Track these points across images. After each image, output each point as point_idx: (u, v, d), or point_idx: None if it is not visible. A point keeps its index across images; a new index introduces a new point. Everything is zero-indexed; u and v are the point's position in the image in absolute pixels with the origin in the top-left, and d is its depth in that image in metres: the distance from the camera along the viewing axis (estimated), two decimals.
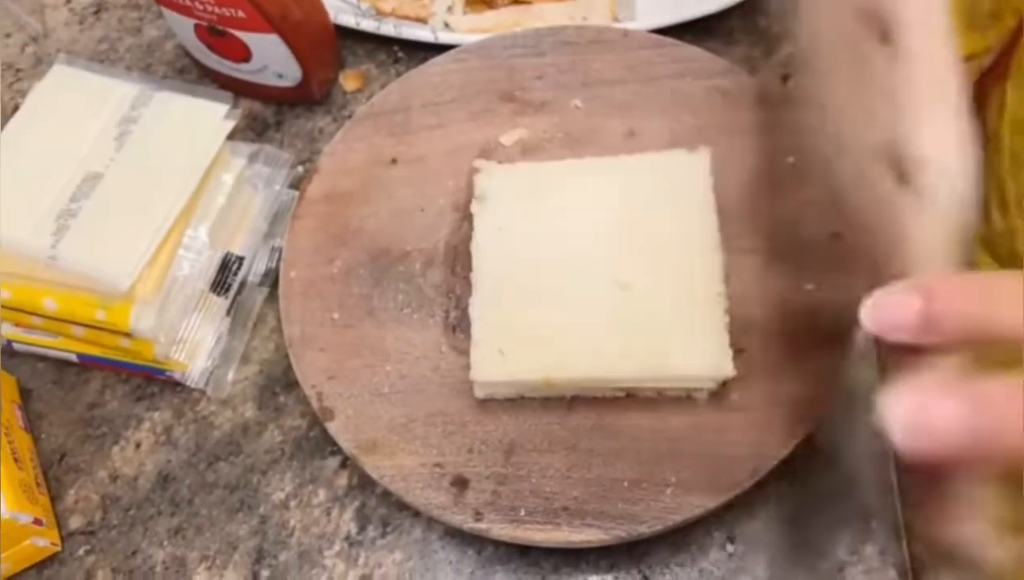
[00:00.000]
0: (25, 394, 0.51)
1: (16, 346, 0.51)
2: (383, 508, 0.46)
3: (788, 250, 0.46)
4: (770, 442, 0.41)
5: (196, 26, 0.55)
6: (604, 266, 0.44)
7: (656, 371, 0.42)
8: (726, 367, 0.41)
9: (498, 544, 0.45)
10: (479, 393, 0.43)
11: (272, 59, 0.55)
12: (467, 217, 0.48)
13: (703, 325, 0.42)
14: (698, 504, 0.40)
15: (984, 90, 0.56)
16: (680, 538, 0.44)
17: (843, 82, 0.36)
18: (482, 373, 0.42)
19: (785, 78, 0.51)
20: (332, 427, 0.43)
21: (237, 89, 0.56)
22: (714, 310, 0.42)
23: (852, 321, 0.38)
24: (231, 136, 0.50)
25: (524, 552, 0.45)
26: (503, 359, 0.42)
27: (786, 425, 0.41)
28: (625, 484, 0.41)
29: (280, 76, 0.56)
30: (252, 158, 0.52)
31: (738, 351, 0.43)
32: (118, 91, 0.51)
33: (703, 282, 0.43)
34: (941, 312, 0.28)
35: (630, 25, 0.54)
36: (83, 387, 0.51)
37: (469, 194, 0.48)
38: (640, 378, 0.42)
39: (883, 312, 0.29)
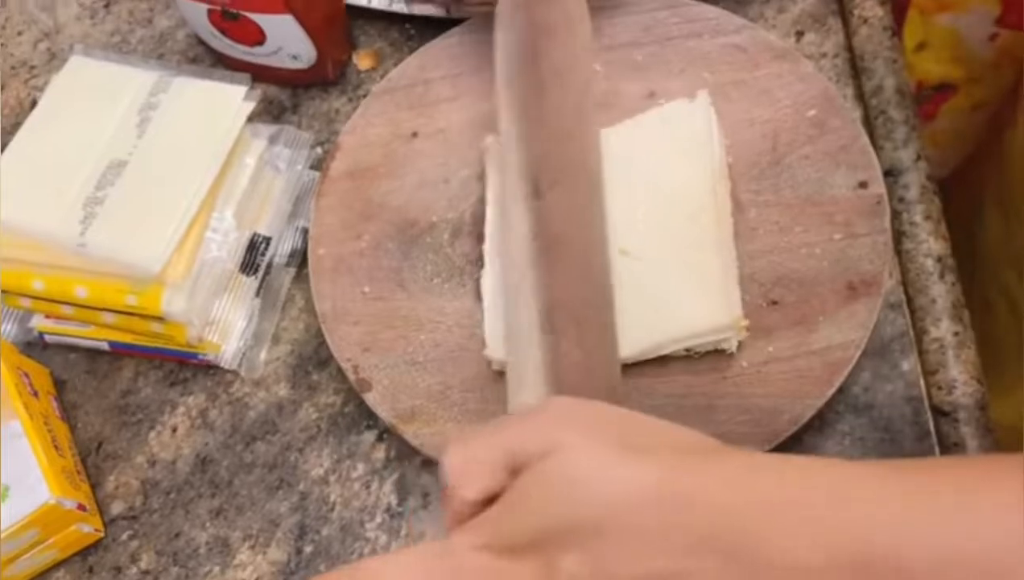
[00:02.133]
0: (59, 385, 0.52)
1: (48, 338, 0.51)
2: (423, 478, 0.47)
3: (814, 201, 0.46)
4: (807, 391, 0.41)
5: (209, 11, 0.55)
6: (616, 237, 0.44)
7: (668, 334, 0.42)
8: (734, 312, 0.41)
9: None
10: (496, 367, 0.43)
11: (286, 40, 0.55)
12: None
13: (707, 276, 0.42)
14: None
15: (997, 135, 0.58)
16: None
17: None
18: (496, 352, 0.42)
19: None
20: (370, 398, 0.43)
21: (252, 73, 0.56)
22: (717, 258, 0.42)
23: (882, 268, 0.39)
24: (250, 119, 0.50)
25: None
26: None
27: (822, 374, 0.42)
28: None
29: (295, 58, 0.56)
30: (272, 140, 0.52)
31: (772, 303, 0.43)
32: (136, 79, 0.51)
33: (707, 231, 0.43)
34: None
35: None
36: (116, 375, 0.52)
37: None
38: (656, 345, 0.42)
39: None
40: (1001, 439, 0.45)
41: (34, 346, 0.52)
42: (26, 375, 0.48)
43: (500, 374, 0.43)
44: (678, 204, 0.45)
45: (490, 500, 0.29)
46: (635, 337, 0.42)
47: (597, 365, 0.40)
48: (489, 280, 0.44)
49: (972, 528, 0.25)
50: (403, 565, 0.29)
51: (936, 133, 0.71)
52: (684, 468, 0.28)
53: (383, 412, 0.43)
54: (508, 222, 0.42)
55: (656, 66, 0.50)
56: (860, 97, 0.54)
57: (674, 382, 0.43)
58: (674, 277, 0.43)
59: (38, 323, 0.51)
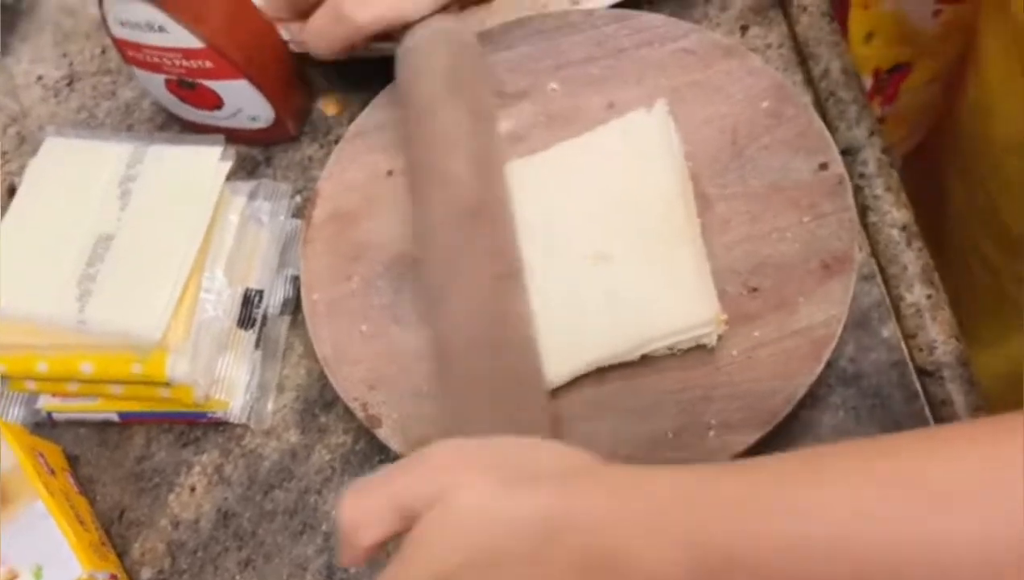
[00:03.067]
0: (73, 460, 0.52)
1: (56, 416, 0.52)
2: None
3: (779, 187, 0.48)
4: (797, 370, 0.43)
5: (166, 81, 0.56)
6: (585, 245, 0.46)
7: (647, 335, 0.44)
8: (711, 308, 0.43)
9: None
10: None
11: (244, 103, 0.56)
12: None
13: (681, 275, 0.44)
14: (741, 440, 0.42)
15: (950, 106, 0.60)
16: None
17: None
18: None
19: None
20: (382, 433, 0.45)
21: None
22: (689, 257, 0.44)
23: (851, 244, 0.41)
24: (227, 177, 0.52)
25: None
26: None
27: (809, 351, 0.43)
28: (669, 435, 0.43)
29: (254, 119, 0.58)
30: (252, 195, 0.54)
31: (752, 290, 0.45)
32: (112, 153, 0.52)
33: (676, 232, 0.45)
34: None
35: (591, 4, 0.56)
36: (128, 443, 0.53)
37: None
38: (636, 346, 0.44)
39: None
40: (988, 389, 0.47)
41: (43, 426, 0.53)
42: (41, 455, 0.49)
43: None
44: (646, 209, 0.47)
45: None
46: (615, 340, 0.44)
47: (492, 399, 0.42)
48: None
49: (793, 516, 0.28)
50: None
51: (900, 112, 0.73)
52: (562, 494, 0.31)
53: (396, 445, 0.44)
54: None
55: (612, 78, 0.52)
56: (809, 82, 0.56)
57: (668, 379, 0.44)
58: (649, 279, 0.45)
59: (45, 403, 0.52)
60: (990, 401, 0.46)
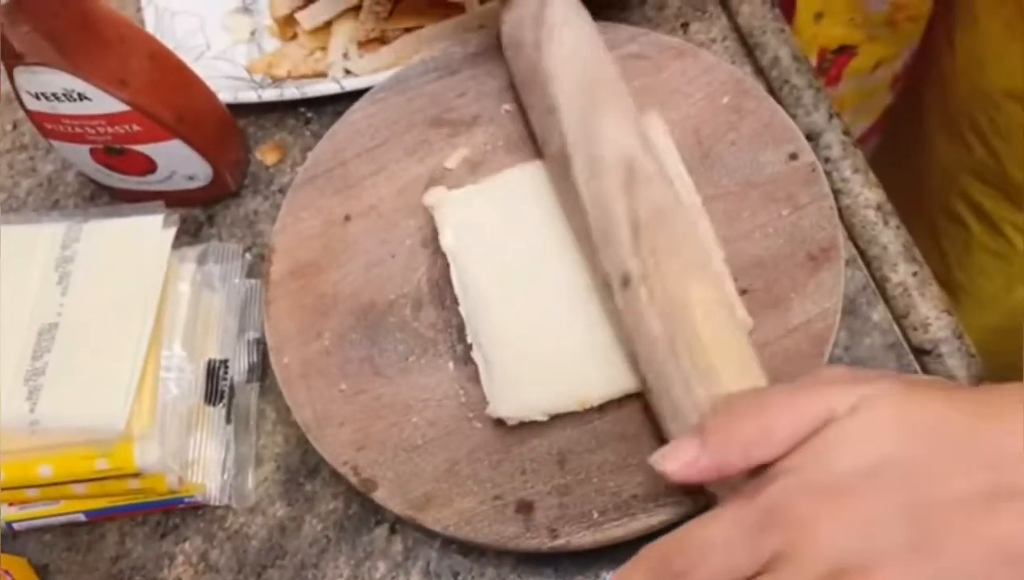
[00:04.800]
0: (41, 571, 0.48)
1: (16, 526, 0.48)
2: (447, 559, 0.45)
3: (753, 183, 0.47)
4: (800, 368, 0.42)
5: (92, 151, 0.53)
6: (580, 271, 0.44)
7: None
8: (743, 322, 0.42)
9: (574, 555, 0.44)
10: (510, 422, 0.42)
11: (178, 163, 0.53)
12: (439, 251, 0.47)
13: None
14: None
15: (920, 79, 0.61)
16: None
17: None
18: (504, 409, 0.42)
19: None
20: (379, 496, 0.42)
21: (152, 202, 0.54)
22: (716, 262, 0.43)
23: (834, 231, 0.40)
24: (173, 244, 0.48)
25: (602, 552, 0.44)
26: (522, 394, 0.42)
27: (810, 347, 0.42)
28: None
29: (190, 178, 0.54)
30: (201, 260, 0.51)
31: (743, 292, 0.44)
32: (44, 234, 0.48)
33: (703, 240, 0.43)
34: (717, 452, 0.33)
35: None
36: (100, 544, 0.49)
37: (434, 228, 0.47)
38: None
39: (667, 463, 0.34)
40: (985, 344, 0.47)
41: (4, 538, 0.49)
42: (7, 572, 0.45)
43: (511, 429, 0.42)
44: None
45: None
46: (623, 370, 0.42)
47: None
48: (481, 337, 0.43)
49: None
50: (722, 521, 0.31)
51: (842, 97, 0.73)
52: (984, 404, 0.31)
53: (396, 507, 0.42)
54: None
55: None
56: (759, 73, 0.55)
57: None
58: None
59: (3, 514, 0.47)
60: (987, 358, 0.46)
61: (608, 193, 0.41)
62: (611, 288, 0.41)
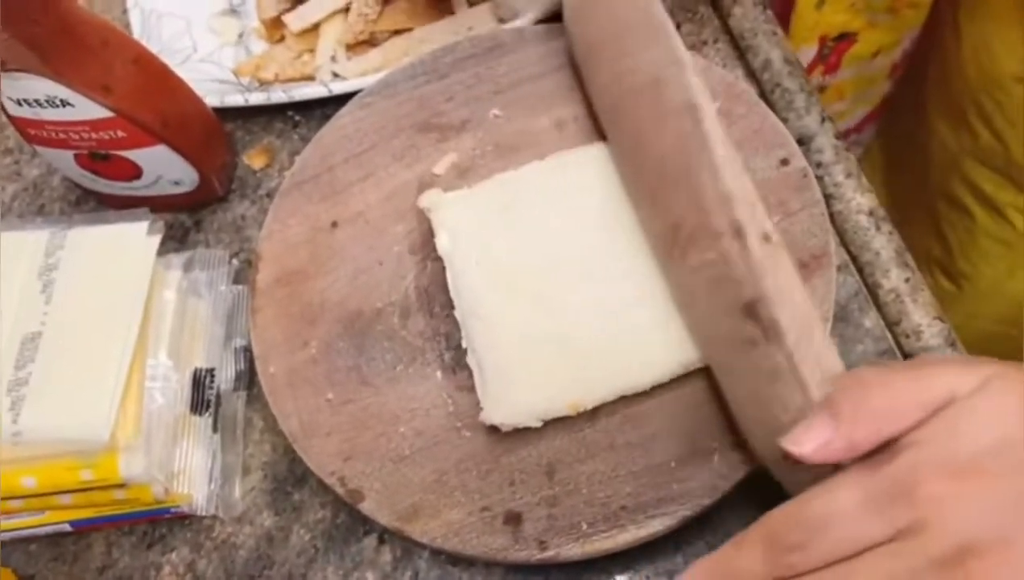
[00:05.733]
0: None
1: (1, 536, 0.48)
2: (436, 569, 0.45)
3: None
4: None
5: (76, 156, 0.52)
6: (590, 268, 0.43)
7: (688, 356, 0.41)
8: None
9: (564, 566, 0.44)
10: (503, 428, 0.42)
11: (164, 169, 0.52)
12: (427, 257, 0.46)
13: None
14: (747, 459, 0.40)
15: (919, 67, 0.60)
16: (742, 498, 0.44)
17: None
18: (497, 415, 0.41)
19: None
20: (366, 507, 0.41)
21: (136, 208, 0.54)
22: None
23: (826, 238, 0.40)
24: (158, 251, 0.48)
25: (591, 563, 0.44)
26: (515, 399, 0.41)
27: None
28: (672, 464, 0.41)
29: (176, 183, 0.54)
30: (187, 267, 0.50)
31: None
32: (27, 242, 0.48)
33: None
34: (851, 430, 0.32)
35: (518, 23, 0.54)
36: (86, 554, 0.48)
37: (422, 234, 0.46)
38: (672, 372, 0.42)
39: (803, 445, 0.32)
40: (990, 333, 0.46)
41: None
42: None
43: (500, 440, 0.42)
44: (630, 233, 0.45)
45: None
46: (653, 369, 0.42)
47: None
48: (476, 342, 0.43)
49: None
50: (849, 491, 0.31)
51: (841, 84, 0.73)
52: None
53: (383, 518, 0.41)
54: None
55: (555, 96, 0.50)
56: (751, 75, 0.55)
57: (664, 407, 0.42)
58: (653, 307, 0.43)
59: None
60: (991, 345, 0.46)
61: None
62: (718, 238, 0.38)
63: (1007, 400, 0.31)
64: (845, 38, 0.69)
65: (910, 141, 0.69)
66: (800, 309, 0.37)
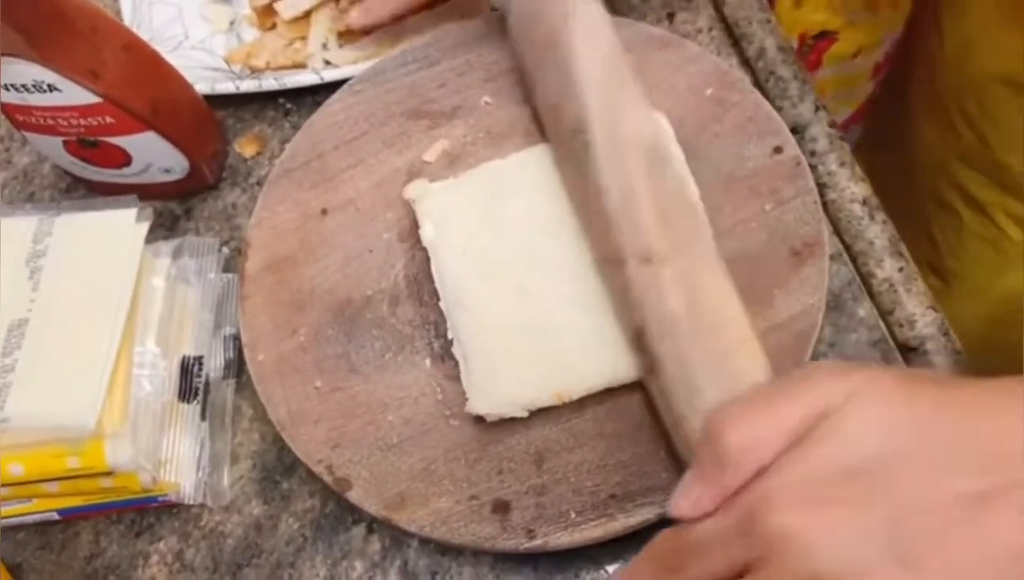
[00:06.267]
0: (15, 570, 0.48)
1: None
2: (425, 558, 0.45)
3: (736, 177, 0.46)
4: (784, 365, 0.41)
5: (65, 143, 0.52)
6: (575, 258, 0.43)
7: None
8: None
9: (552, 554, 0.44)
10: (489, 418, 0.42)
11: (154, 156, 0.52)
12: (417, 245, 0.46)
13: None
14: None
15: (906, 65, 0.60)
16: None
17: None
18: (483, 405, 0.41)
19: None
20: (353, 496, 0.41)
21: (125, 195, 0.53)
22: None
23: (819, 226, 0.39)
24: (147, 238, 0.47)
25: (579, 551, 0.43)
26: (501, 389, 0.41)
27: (793, 344, 0.41)
28: (661, 454, 0.40)
29: (167, 171, 0.53)
30: (176, 254, 0.50)
31: None
32: (15, 228, 0.47)
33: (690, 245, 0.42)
34: (716, 478, 0.31)
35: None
36: (74, 542, 0.48)
37: (412, 222, 0.46)
38: (630, 372, 0.41)
39: (679, 507, 0.32)
40: (977, 334, 0.46)
41: None
42: None
43: (488, 428, 0.42)
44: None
45: None
46: (605, 366, 0.42)
47: None
48: (461, 332, 0.42)
49: None
50: (709, 522, 0.31)
51: (823, 83, 0.72)
52: (970, 398, 0.30)
53: (371, 507, 0.41)
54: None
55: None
56: (745, 64, 0.54)
57: (652, 394, 0.42)
58: None
59: None
60: (979, 347, 0.45)
61: (633, 171, 0.40)
62: (622, 264, 0.40)
63: (868, 417, 0.30)
64: (825, 37, 0.69)
65: (895, 142, 0.69)
66: (696, 339, 0.37)
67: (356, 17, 0.51)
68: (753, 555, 0.29)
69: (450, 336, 0.43)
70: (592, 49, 0.43)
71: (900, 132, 0.67)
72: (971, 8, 0.58)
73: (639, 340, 0.39)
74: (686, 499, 0.32)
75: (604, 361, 0.41)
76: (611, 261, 0.41)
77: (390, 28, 0.56)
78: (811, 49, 0.70)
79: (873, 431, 0.29)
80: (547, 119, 0.46)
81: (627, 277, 0.39)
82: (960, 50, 0.60)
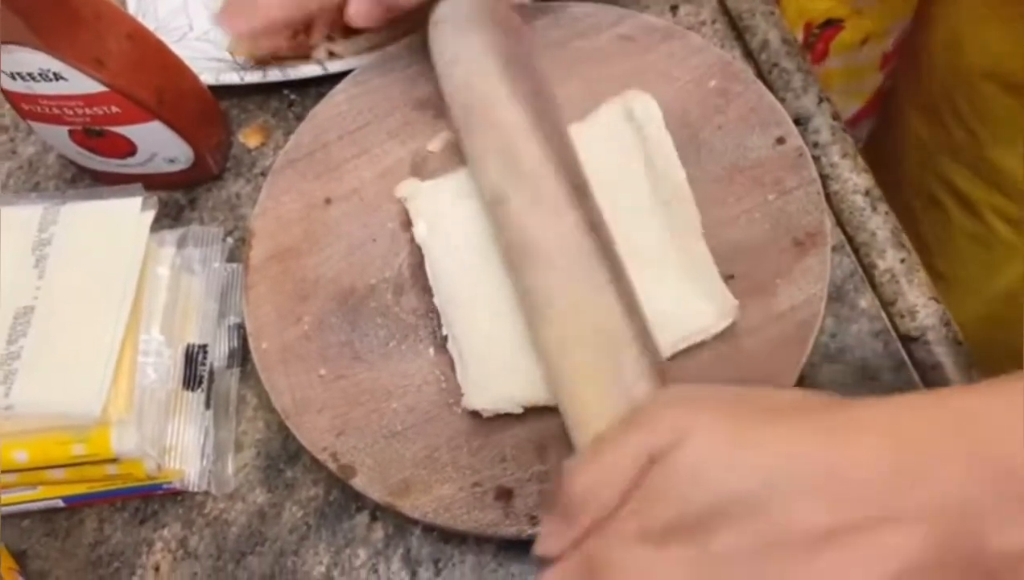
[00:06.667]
0: (20, 557, 0.48)
1: None
2: (428, 546, 0.45)
3: (739, 167, 0.46)
4: (785, 354, 0.41)
5: (70, 132, 0.52)
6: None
7: (668, 340, 0.41)
8: (729, 300, 0.41)
9: None
10: (485, 414, 0.42)
11: (159, 146, 0.52)
12: None
13: (694, 277, 0.42)
14: None
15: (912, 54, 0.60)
16: None
17: None
18: (479, 401, 0.41)
19: None
20: (358, 482, 0.41)
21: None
22: (699, 256, 0.42)
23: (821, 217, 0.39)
24: (152, 228, 0.48)
25: None
26: (496, 386, 0.41)
27: (796, 333, 0.42)
28: None
29: (171, 161, 0.54)
30: (180, 243, 0.50)
31: (728, 278, 0.43)
32: (21, 217, 0.48)
33: (678, 232, 0.43)
34: (565, 524, 0.31)
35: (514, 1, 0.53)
36: (79, 529, 0.48)
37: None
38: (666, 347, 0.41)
39: (541, 547, 0.32)
40: (971, 333, 0.46)
41: None
42: None
43: (487, 420, 0.42)
44: (633, 207, 0.44)
45: None
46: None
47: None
48: (455, 329, 0.43)
49: None
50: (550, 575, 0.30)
51: (830, 75, 0.72)
52: (826, 430, 0.28)
53: (375, 493, 0.41)
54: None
55: (550, 72, 0.49)
56: (749, 55, 0.54)
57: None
58: (668, 276, 0.43)
59: None
60: (972, 346, 0.45)
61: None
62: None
63: (699, 457, 0.28)
64: (831, 25, 0.68)
65: (889, 137, 0.69)
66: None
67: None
68: None
69: (444, 333, 0.44)
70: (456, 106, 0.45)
71: (892, 126, 0.67)
72: (959, 3, 0.58)
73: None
74: (543, 540, 0.32)
75: None
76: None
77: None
78: (817, 38, 0.69)
79: (703, 473, 0.28)
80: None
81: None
82: (949, 45, 0.60)
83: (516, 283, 0.41)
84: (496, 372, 0.41)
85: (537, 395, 0.41)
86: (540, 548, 0.32)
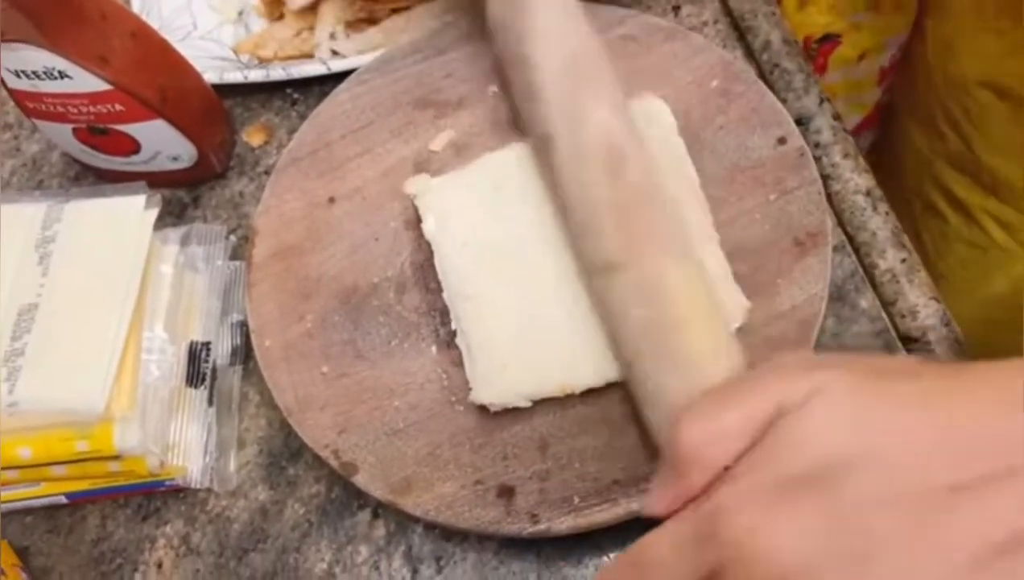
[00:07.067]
0: (22, 553, 0.48)
1: None
2: (429, 544, 0.45)
3: (740, 167, 0.46)
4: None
5: (75, 130, 0.52)
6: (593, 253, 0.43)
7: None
8: (742, 310, 0.41)
9: (556, 539, 0.44)
10: (492, 408, 0.42)
11: (162, 144, 0.53)
12: (423, 234, 0.46)
13: (713, 271, 0.42)
14: None
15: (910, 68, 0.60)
16: None
17: None
18: (486, 395, 0.41)
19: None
20: (360, 480, 0.42)
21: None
22: (711, 258, 0.42)
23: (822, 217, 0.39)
24: (155, 225, 0.48)
25: (584, 538, 0.44)
26: (505, 380, 0.42)
27: (797, 333, 0.42)
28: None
29: (175, 159, 0.54)
30: (184, 241, 0.50)
31: None
32: (25, 214, 0.48)
33: (691, 235, 0.43)
34: (684, 475, 0.31)
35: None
36: (81, 526, 0.48)
37: (418, 210, 0.46)
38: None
39: (653, 506, 0.32)
40: (968, 336, 0.46)
41: None
42: None
43: (493, 415, 0.42)
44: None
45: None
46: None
47: None
48: (464, 323, 0.43)
49: None
50: (665, 536, 0.30)
51: (831, 88, 0.72)
52: (949, 390, 0.29)
53: (377, 491, 0.41)
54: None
55: None
56: (750, 56, 0.55)
57: None
58: None
59: None
60: (971, 350, 0.46)
61: (590, 179, 0.40)
62: (593, 274, 0.40)
63: (830, 414, 0.28)
64: (829, 40, 0.69)
65: (889, 148, 0.69)
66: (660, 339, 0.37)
67: None
68: (712, 564, 0.28)
69: (453, 327, 0.44)
70: (549, 60, 0.43)
71: (891, 134, 0.68)
72: (953, 11, 0.58)
73: (616, 350, 0.39)
74: (657, 499, 0.31)
75: (609, 354, 0.41)
76: (585, 271, 0.41)
77: (397, 18, 0.57)
78: (816, 52, 0.70)
79: (833, 430, 0.28)
80: (523, 124, 0.46)
81: (594, 287, 0.39)
82: (943, 53, 0.60)
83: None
84: (505, 366, 0.41)
85: (545, 389, 0.41)
86: (651, 506, 0.31)
